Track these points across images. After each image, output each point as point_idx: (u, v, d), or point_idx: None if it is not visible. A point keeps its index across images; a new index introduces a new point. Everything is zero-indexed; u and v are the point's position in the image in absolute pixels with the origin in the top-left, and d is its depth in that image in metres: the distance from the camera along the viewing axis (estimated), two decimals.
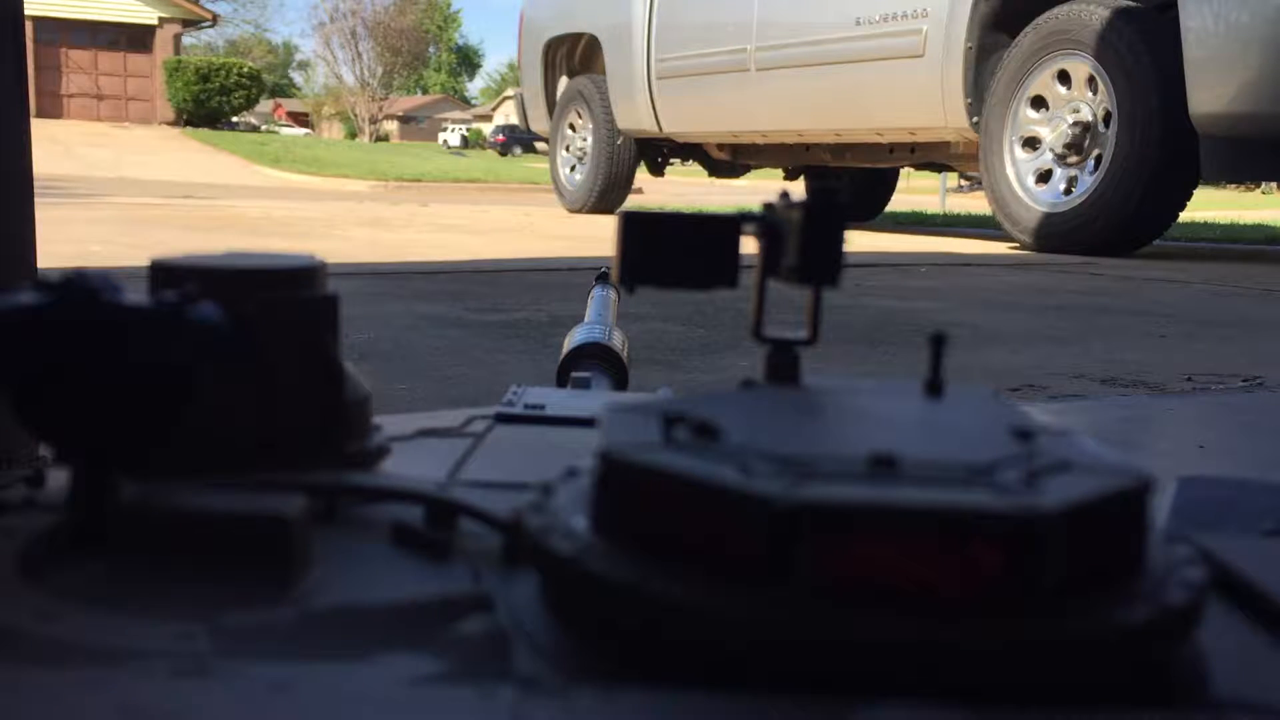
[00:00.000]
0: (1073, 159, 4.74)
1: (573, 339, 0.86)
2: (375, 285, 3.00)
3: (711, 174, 7.94)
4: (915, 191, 14.94)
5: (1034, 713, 0.27)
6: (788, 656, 0.27)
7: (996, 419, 0.35)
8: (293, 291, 0.40)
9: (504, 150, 39.61)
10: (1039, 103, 4.83)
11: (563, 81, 7.93)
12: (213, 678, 0.28)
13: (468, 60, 73.10)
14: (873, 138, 5.96)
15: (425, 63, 60.54)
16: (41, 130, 17.36)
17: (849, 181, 7.43)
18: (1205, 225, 7.96)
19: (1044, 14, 4.74)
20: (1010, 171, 4.95)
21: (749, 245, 0.41)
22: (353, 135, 46.88)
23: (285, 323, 0.40)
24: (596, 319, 0.91)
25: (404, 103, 58.70)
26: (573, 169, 7.69)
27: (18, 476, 0.41)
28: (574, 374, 0.80)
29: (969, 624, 0.27)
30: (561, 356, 0.85)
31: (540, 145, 23.31)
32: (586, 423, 0.54)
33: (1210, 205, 12.27)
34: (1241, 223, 9.03)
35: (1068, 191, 4.75)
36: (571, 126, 7.68)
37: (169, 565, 0.34)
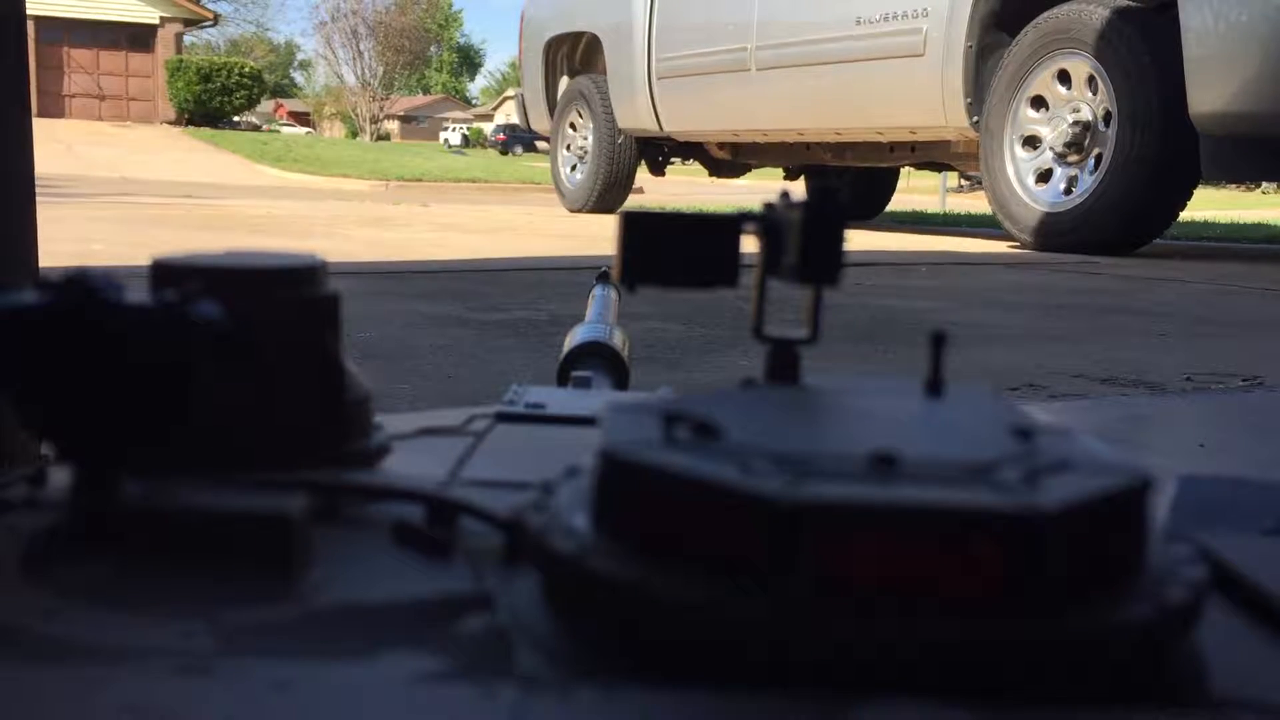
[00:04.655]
0: (1073, 158, 4.73)
1: (573, 338, 0.86)
2: (376, 284, 3.00)
3: (712, 173, 7.93)
4: (915, 191, 14.94)
5: (1034, 713, 0.27)
6: (788, 655, 0.27)
7: (996, 418, 0.35)
8: (294, 290, 0.40)
9: (505, 150, 39.59)
10: (1039, 102, 4.83)
11: (563, 81, 7.92)
12: (214, 676, 0.28)
13: (469, 60, 73.09)
14: (873, 137, 5.96)
15: (426, 62, 60.54)
16: (43, 130, 17.35)
17: (849, 181, 7.43)
18: (1205, 225, 7.95)
19: (1044, 13, 4.74)
20: (1010, 171, 4.94)
21: (749, 245, 0.41)
22: (354, 134, 46.89)
23: (286, 322, 0.40)
24: (597, 318, 0.91)
25: (405, 102, 58.70)
26: (573, 168, 7.69)
27: (19, 475, 0.41)
28: (575, 373, 0.80)
29: (969, 623, 0.27)
30: (562, 355, 0.85)
31: (541, 145, 23.32)
32: (587, 422, 0.54)
33: (1210, 205, 12.27)
34: (1241, 222, 9.02)
35: (1068, 191, 4.75)
36: (572, 126, 7.67)
37: (171, 564, 0.34)
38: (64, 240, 3.94)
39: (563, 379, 0.81)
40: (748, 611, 0.27)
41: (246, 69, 30.89)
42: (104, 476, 0.35)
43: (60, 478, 0.39)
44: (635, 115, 7.02)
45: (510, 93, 38.86)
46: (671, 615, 0.28)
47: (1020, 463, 0.30)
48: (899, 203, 8.86)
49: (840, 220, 0.38)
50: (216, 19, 35.25)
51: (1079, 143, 4.68)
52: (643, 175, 8.09)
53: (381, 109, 48.16)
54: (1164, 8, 4.22)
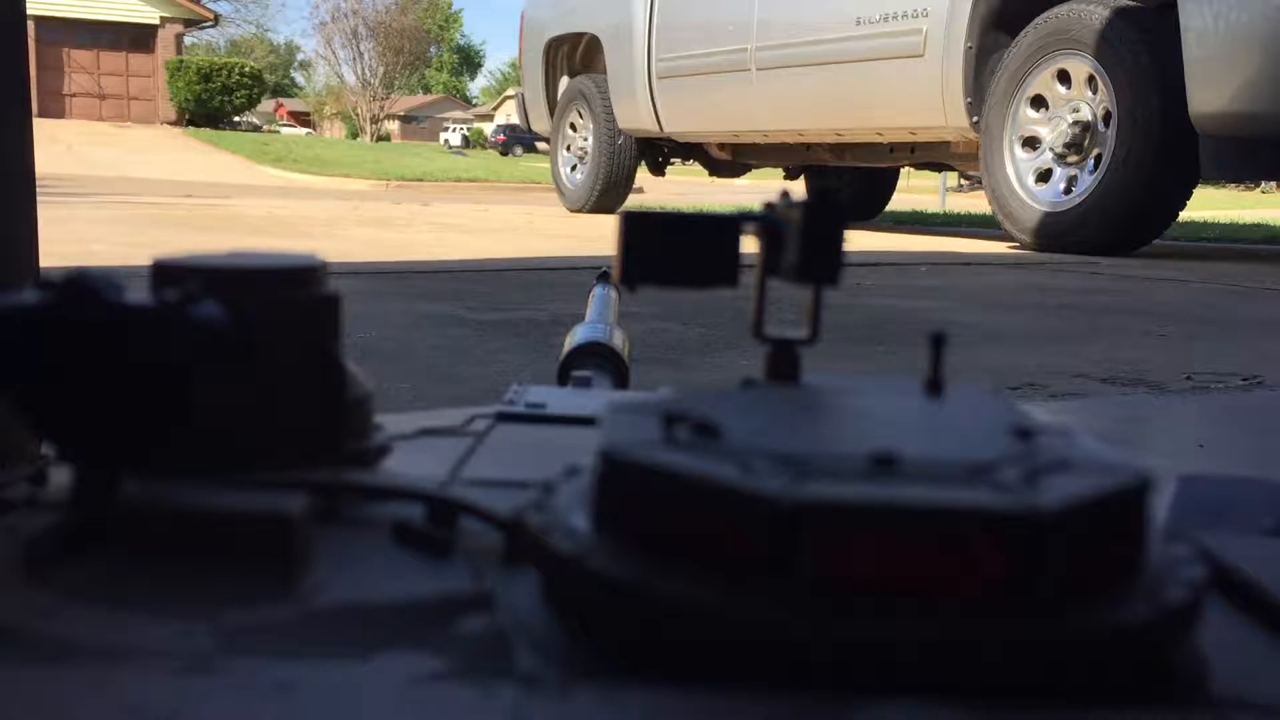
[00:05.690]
0: (1072, 158, 4.73)
1: (573, 338, 0.86)
2: (377, 284, 3.00)
3: (712, 174, 7.93)
4: (915, 191, 14.94)
5: (1034, 713, 0.27)
6: (788, 655, 0.27)
7: (996, 418, 0.35)
8: (294, 291, 0.40)
9: (505, 150, 39.57)
10: (1039, 102, 4.83)
11: (564, 81, 7.93)
12: (214, 676, 0.28)
13: (469, 60, 73.07)
14: (873, 137, 5.96)
15: (427, 62, 60.52)
16: (44, 130, 17.34)
17: (849, 181, 7.43)
18: (1205, 225, 7.95)
19: (1044, 14, 4.74)
20: (1010, 171, 4.94)
21: (749, 245, 0.41)
22: (354, 135, 46.88)
23: (286, 322, 0.40)
24: (597, 318, 0.91)
25: (405, 102, 58.66)
26: (574, 168, 7.69)
27: (20, 475, 0.41)
28: (575, 373, 0.80)
29: (969, 623, 0.27)
30: (562, 355, 0.85)
31: (541, 145, 23.32)
32: (587, 421, 0.54)
33: (1210, 205, 12.27)
34: (1241, 222, 9.02)
35: (1067, 191, 4.75)
36: (572, 126, 7.68)
37: (171, 564, 0.34)
38: (64, 241, 3.94)
39: (563, 379, 0.81)
40: (748, 611, 0.27)
41: (247, 69, 30.94)
42: (104, 476, 0.35)
43: (60, 478, 0.39)
44: (635, 115, 7.02)
45: (510, 92, 38.86)
46: (671, 615, 0.28)
47: (1020, 462, 0.30)
48: (899, 203, 8.85)
49: (840, 220, 0.38)
50: (217, 19, 35.26)
51: (1079, 143, 4.68)
52: (643, 175, 8.09)
53: (382, 109, 48.16)
54: (1164, 8, 4.22)
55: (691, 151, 7.56)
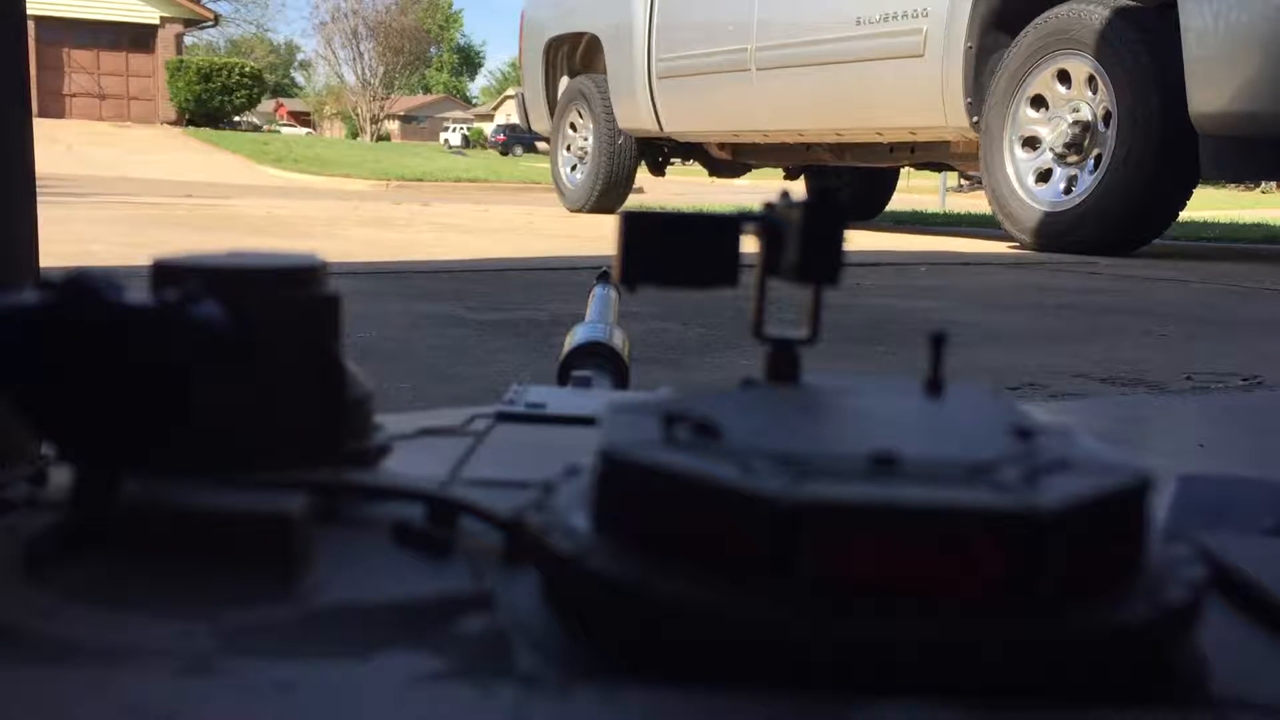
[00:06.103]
0: (1072, 158, 4.73)
1: (574, 338, 0.86)
2: (377, 284, 3.00)
3: (712, 174, 7.93)
4: (915, 191, 14.94)
5: (1034, 713, 0.27)
6: (788, 655, 0.27)
7: (997, 417, 0.35)
8: (294, 291, 0.40)
9: (505, 150, 39.54)
10: (1039, 102, 4.83)
11: (564, 81, 7.93)
12: (214, 676, 0.28)
13: (469, 60, 73.06)
14: (873, 137, 5.96)
15: (427, 62, 60.52)
16: (43, 130, 17.33)
17: (849, 181, 7.43)
18: (1205, 224, 7.95)
19: (1044, 14, 4.74)
20: (1010, 171, 4.94)
21: (749, 245, 0.41)
22: (354, 135, 46.86)
23: (286, 322, 0.40)
24: (597, 318, 0.91)
25: (405, 102, 58.66)
26: (574, 168, 7.69)
27: (20, 475, 0.41)
28: (575, 373, 0.80)
29: (969, 623, 0.27)
30: (562, 355, 0.85)
31: (541, 145, 23.32)
32: (587, 421, 0.54)
33: (1210, 205, 12.27)
34: (1241, 222, 9.03)
35: (1067, 191, 4.75)
36: (572, 126, 7.67)
37: (171, 564, 0.34)
38: (64, 241, 3.94)
39: (563, 378, 0.81)
40: (747, 611, 0.27)
41: (247, 69, 30.97)
42: (104, 476, 0.35)
43: (60, 478, 0.39)
44: (635, 115, 7.02)
45: (510, 92, 38.84)
46: (671, 615, 0.28)
47: (1020, 462, 0.30)
48: (899, 203, 8.85)
49: (840, 220, 0.38)
50: (217, 19, 35.27)
51: (1079, 143, 4.68)
52: (643, 175, 8.09)
53: (382, 109, 48.15)
54: (1164, 8, 4.22)
55: (691, 151, 7.56)
